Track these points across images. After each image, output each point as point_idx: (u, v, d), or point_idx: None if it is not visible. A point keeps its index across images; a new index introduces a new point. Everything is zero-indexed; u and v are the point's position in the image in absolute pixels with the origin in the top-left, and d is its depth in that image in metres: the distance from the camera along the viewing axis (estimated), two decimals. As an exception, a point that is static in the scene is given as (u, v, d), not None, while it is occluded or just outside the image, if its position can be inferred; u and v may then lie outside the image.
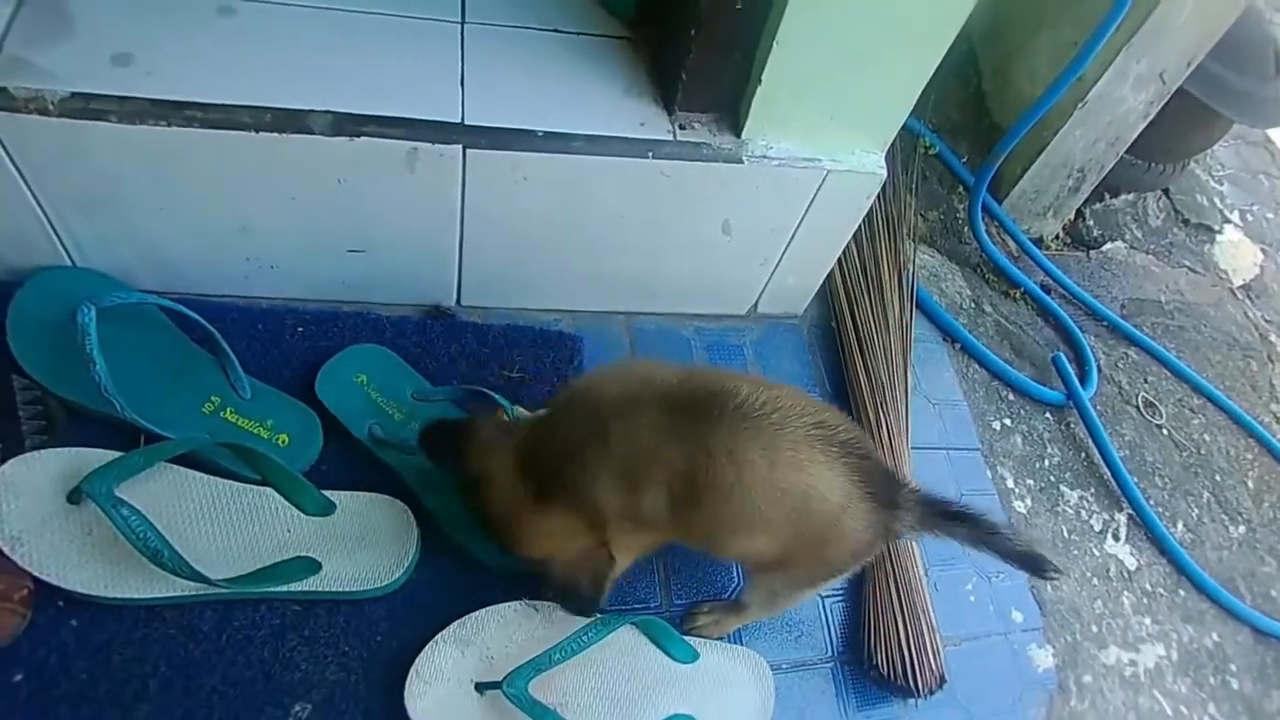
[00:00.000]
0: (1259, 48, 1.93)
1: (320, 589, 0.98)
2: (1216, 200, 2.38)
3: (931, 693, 1.12)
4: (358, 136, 0.97)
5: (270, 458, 0.98)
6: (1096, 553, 1.42)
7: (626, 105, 1.11)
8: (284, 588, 0.97)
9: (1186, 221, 2.27)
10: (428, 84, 1.03)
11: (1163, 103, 1.69)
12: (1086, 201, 2.14)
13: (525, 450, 0.94)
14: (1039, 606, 1.31)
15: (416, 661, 0.96)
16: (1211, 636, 1.42)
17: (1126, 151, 2.00)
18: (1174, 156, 2.16)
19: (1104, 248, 2.07)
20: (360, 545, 1.01)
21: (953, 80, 2.00)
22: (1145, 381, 1.79)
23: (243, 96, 0.92)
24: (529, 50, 1.12)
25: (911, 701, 1.14)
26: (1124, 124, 1.72)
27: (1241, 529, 1.61)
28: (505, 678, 0.92)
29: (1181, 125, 2.00)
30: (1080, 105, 1.65)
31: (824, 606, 1.19)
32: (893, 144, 1.68)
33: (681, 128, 1.11)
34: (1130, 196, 2.24)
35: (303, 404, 1.09)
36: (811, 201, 1.20)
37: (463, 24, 1.11)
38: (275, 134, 0.93)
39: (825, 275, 1.38)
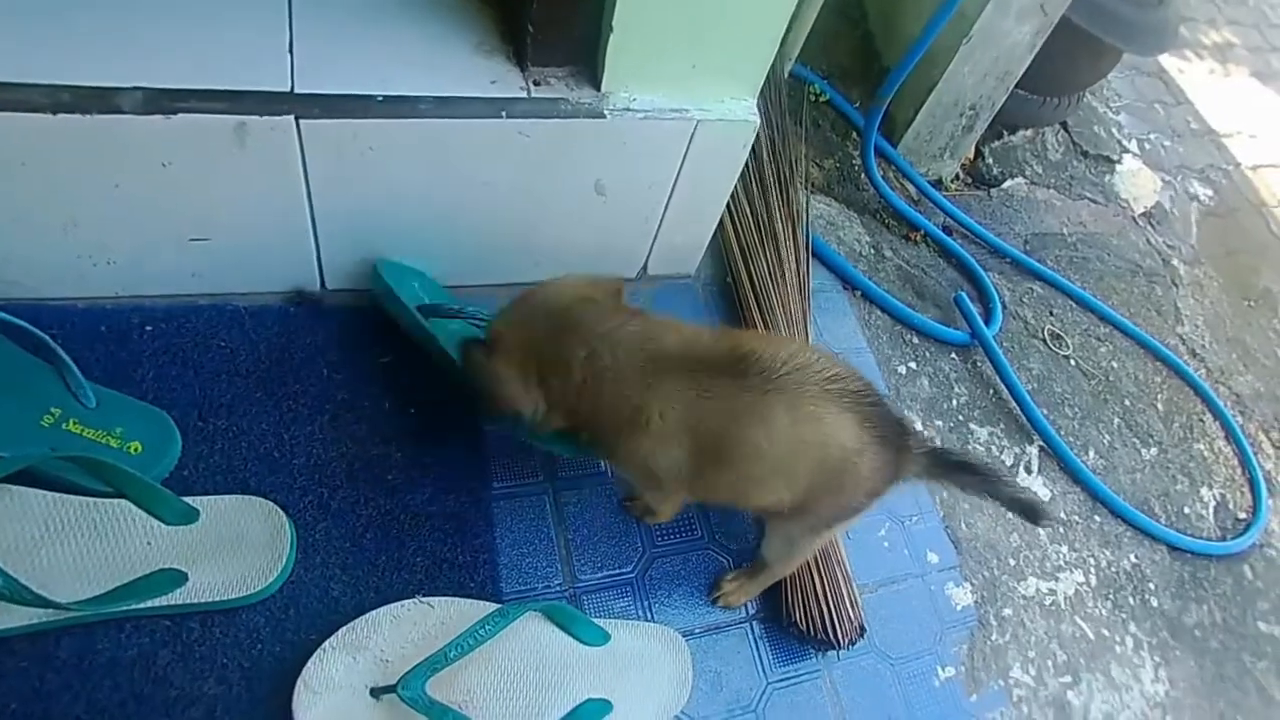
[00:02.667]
0: None
1: (189, 601, 0.94)
2: (1114, 131, 2.46)
3: (852, 644, 1.13)
4: (174, 114, 0.93)
5: (121, 467, 0.94)
6: (1009, 487, 1.46)
7: (475, 63, 1.09)
8: (148, 604, 0.93)
9: (1085, 154, 2.34)
10: (251, 53, 0.99)
11: (1048, 34, 1.73)
12: (985, 140, 2.19)
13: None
14: (954, 546, 1.34)
15: (304, 671, 0.93)
16: (1129, 558, 1.47)
17: (1020, 87, 2.04)
18: (1067, 89, 2.22)
19: (1004, 185, 2.12)
20: (229, 551, 0.98)
21: (840, 25, 2.02)
22: (1051, 314, 1.84)
23: (35, 74, 0.87)
24: (366, 13, 1.08)
25: (832, 652, 1.16)
26: (1011, 57, 1.76)
27: (1153, 450, 1.68)
28: (400, 679, 0.90)
29: (1071, 57, 2.06)
30: (965, 40, 1.68)
31: (733, 564, 1.20)
32: (783, 92, 1.71)
33: (536, 84, 1.10)
34: (1028, 133, 2.30)
35: (156, 408, 1.05)
36: (685, 154, 1.19)
37: (291, -10, 1.07)
38: (78, 115, 0.89)
39: (713, 230, 1.38)
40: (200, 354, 1.13)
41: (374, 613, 0.99)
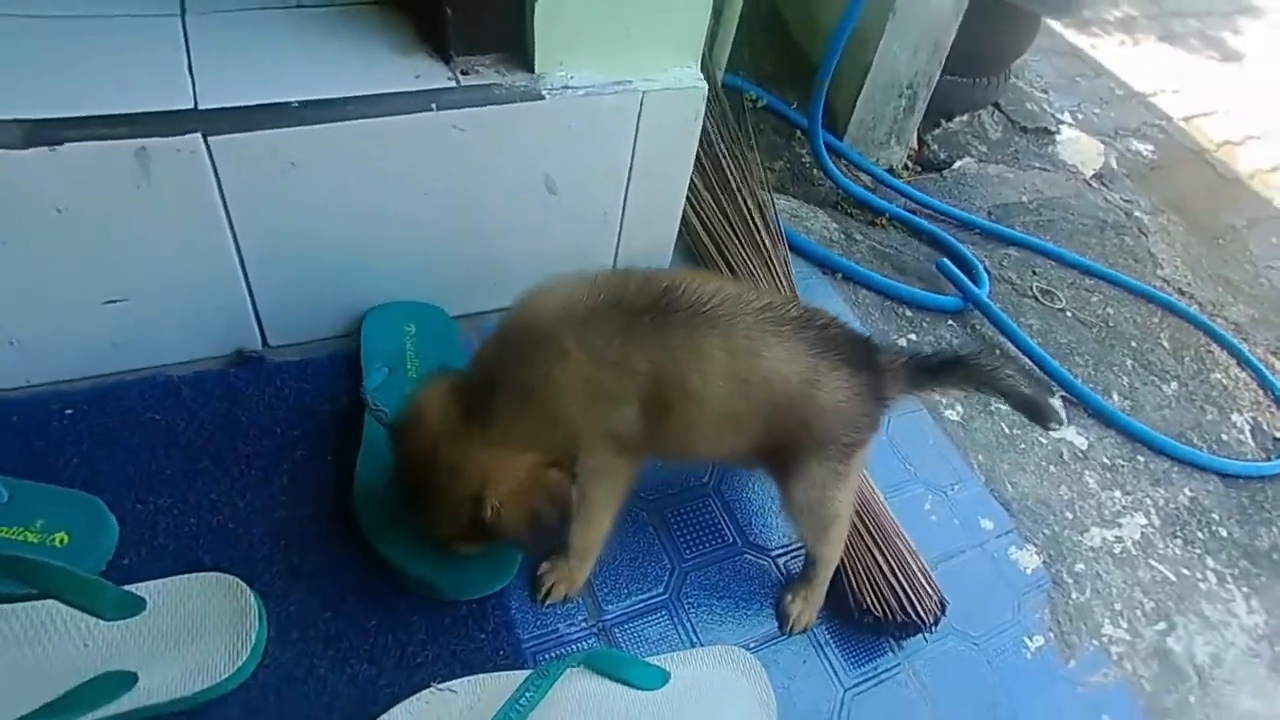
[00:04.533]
0: None
1: (145, 704, 0.77)
2: (1045, 106, 2.46)
3: (936, 621, 0.97)
4: (59, 144, 0.81)
5: (41, 561, 0.77)
6: (1044, 441, 1.34)
7: (395, 62, 0.99)
8: (94, 714, 0.75)
9: (1024, 129, 2.33)
10: (147, 77, 0.88)
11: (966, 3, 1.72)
12: (925, 129, 2.16)
13: (466, 387, 0.84)
14: (1004, 508, 1.21)
15: None
16: (1184, 493, 1.35)
17: (949, 72, 2.04)
18: (994, 67, 2.22)
19: (954, 166, 2.08)
20: (186, 639, 0.80)
21: (760, 35, 2.00)
22: (1034, 274, 1.76)
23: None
24: (271, 29, 0.99)
25: (910, 641, 1.00)
26: (938, 27, 1.74)
27: (1173, 385, 1.57)
28: None
29: (993, 32, 2.07)
30: (890, 16, 1.66)
31: (777, 565, 1.04)
32: (723, 102, 1.65)
33: (464, 73, 1.00)
34: (965, 117, 2.28)
35: (83, 493, 0.89)
36: (636, 131, 1.10)
37: (183, 15, 0.97)
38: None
39: (679, 222, 1.28)
40: (132, 432, 0.98)
41: (393, 711, 0.80)
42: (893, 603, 0.95)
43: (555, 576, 0.93)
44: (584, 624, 0.94)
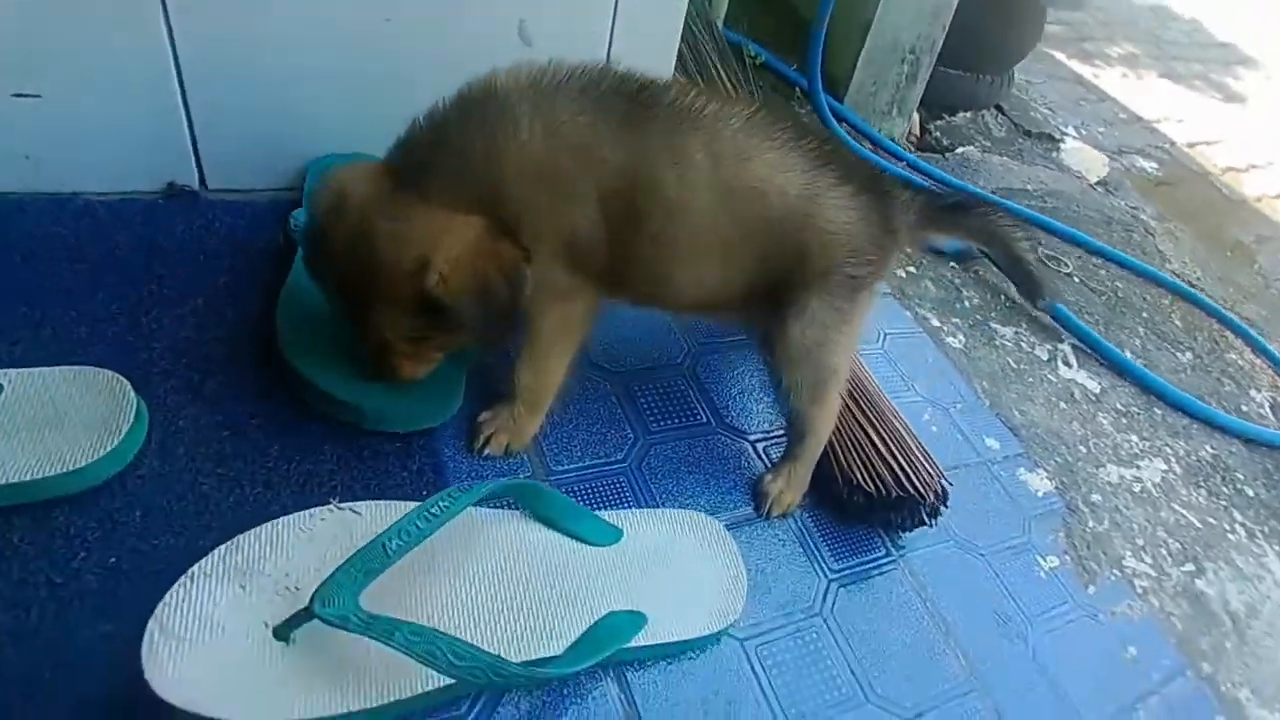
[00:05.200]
0: None
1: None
2: (1049, 118, 2.41)
3: (938, 501, 0.83)
4: None
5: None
6: (1053, 379, 1.21)
7: None
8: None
9: (1029, 133, 2.27)
10: None
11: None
12: (928, 119, 2.10)
13: (394, 167, 0.71)
14: (1012, 433, 1.07)
15: (159, 608, 0.58)
16: (1205, 449, 1.21)
17: (952, 65, 2.00)
18: (997, 64, 2.18)
19: (957, 151, 2.01)
20: (42, 427, 0.66)
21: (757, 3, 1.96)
22: (1039, 245, 1.66)
23: None
24: None
25: (907, 536, 0.85)
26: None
27: (1188, 355, 1.46)
28: (316, 593, 0.55)
29: (996, 25, 2.03)
30: (887, -18, 1.60)
31: (755, 449, 0.91)
32: (727, 55, 1.59)
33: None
34: (968, 114, 2.22)
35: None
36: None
37: None
38: None
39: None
40: (33, 243, 0.85)
41: (271, 524, 0.65)
42: (887, 478, 0.81)
43: (497, 424, 0.80)
44: (525, 480, 0.79)
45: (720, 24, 1.66)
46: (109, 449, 0.66)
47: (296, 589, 0.61)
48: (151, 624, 0.56)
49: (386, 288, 0.67)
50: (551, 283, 0.73)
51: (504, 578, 0.66)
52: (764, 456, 0.89)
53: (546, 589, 0.68)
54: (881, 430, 0.86)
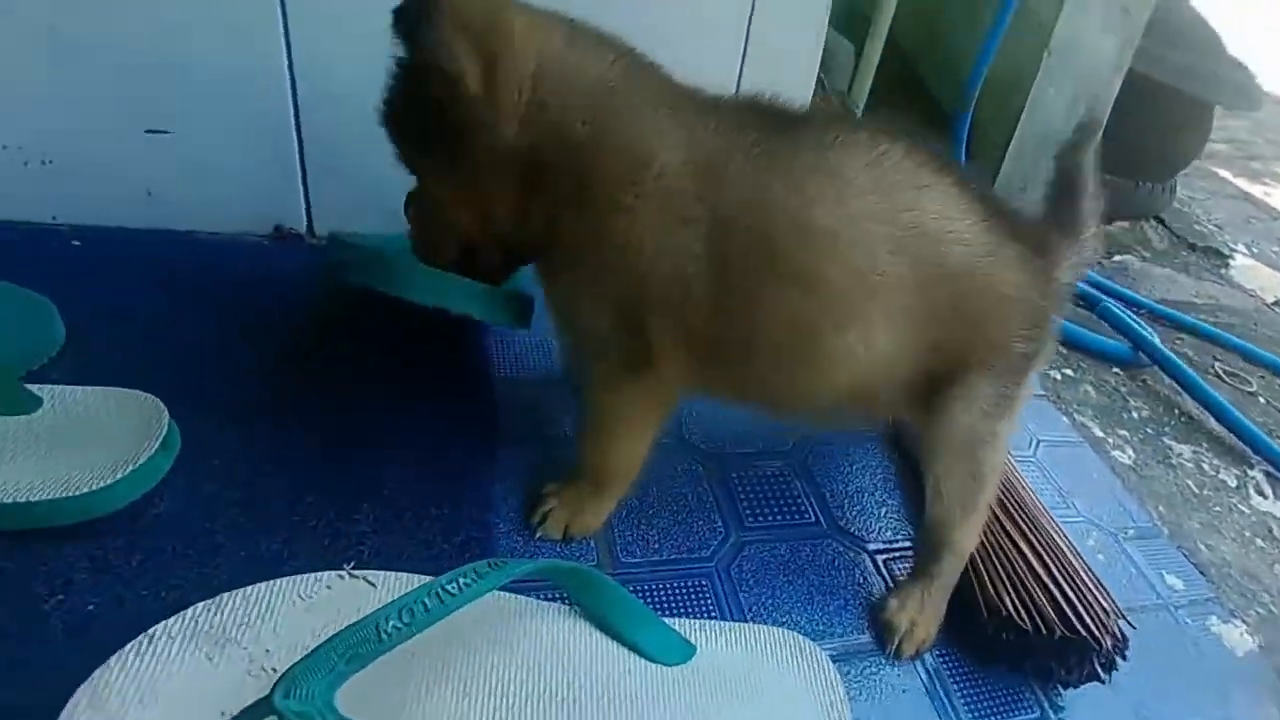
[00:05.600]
0: (1199, 28, 1.82)
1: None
2: (1216, 233, 2.13)
3: (1112, 662, 0.61)
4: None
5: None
6: (1245, 510, 0.95)
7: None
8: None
9: (1193, 246, 1.99)
10: None
11: (1133, 45, 1.48)
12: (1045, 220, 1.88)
13: None
14: (1198, 571, 0.82)
15: (98, 672, 0.45)
16: None
17: (1109, 170, 1.78)
18: (1159, 171, 1.94)
19: (1115, 259, 1.77)
20: (60, 448, 0.58)
21: (899, 93, 1.82)
22: (1215, 360, 1.39)
23: None
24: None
25: (1069, 691, 0.63)
26: (1098, 79, 1.50)
27: None
28: (280, 678, 0.41)
29: (1158, 128, 1.82)
30: (1045, 55, 1.44)
31: (875, 563, 0.71)
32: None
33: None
34: (1125, 223, 1.99)
35: (36, 293, 0.70)
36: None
37: None
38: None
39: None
40: (134, 268, 0.81)
41: (267, 585, 0.53)
42: (1048, 611, 0.61)
43: (560, 502, 0.65)
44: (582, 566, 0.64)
45: (859, 114, 1.53)
46: (125, 474, 0.56)
47: (274, 670, 0.47)
48: (81, 692, 0.43)
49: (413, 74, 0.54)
50: (603, 346, 0.58)
51: (534, 691, 0.50)
52: (884, 572, 0.70)
53: (589, 711, 0.51)
54: (1041, 549, 0.66)
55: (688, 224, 0.54)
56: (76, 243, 0.82)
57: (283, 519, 0.59)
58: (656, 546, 0.67)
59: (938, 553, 0.65)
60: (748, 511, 0.72)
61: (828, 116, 0.57)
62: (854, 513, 0.75)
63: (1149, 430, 1.05)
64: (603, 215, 0.54)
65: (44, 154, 0.81)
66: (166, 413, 0.60)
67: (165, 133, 0.83)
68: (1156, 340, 1.19)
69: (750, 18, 0.92)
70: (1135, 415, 1.07)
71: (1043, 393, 1.03)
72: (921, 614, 0.64)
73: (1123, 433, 1.02)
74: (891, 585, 0.69)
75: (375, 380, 0.74)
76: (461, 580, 0.47)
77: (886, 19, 1.49)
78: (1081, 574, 0.64)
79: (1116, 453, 0.98)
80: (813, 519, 0.74)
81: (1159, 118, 1.78)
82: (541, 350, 0.84)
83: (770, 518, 0.73)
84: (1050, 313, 0.60)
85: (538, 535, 0.64)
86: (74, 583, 0.52)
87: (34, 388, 0.60)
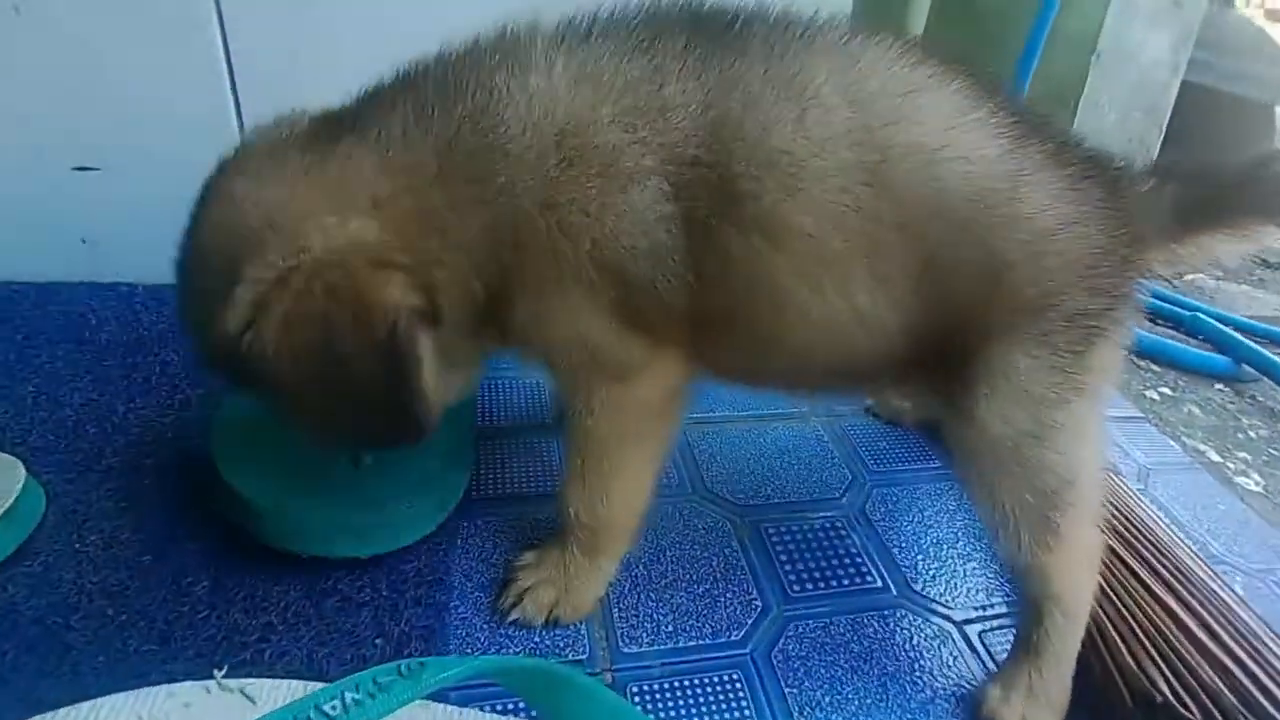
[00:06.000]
0: (1246, 29, 1.69)
1: None
2: (1290, 253, 1.94)
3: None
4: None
5: None
6: None
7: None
8: None
9: (1267, 263, 1.81)
10: None
11: (1190, 43, 1.34)
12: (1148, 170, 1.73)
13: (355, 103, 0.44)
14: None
15: None
16: None
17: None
18: (1221, 185, 1.79)
19: (1185, 277, 1.59)
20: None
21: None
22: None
23: None
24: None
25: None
26: (1154, 84, 1.35)
27: None
28: None
29: (1219, 135, 1.67)
30: (1093, 61, 1.30)
31: (963, 635, 0.53)
32: None
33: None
34: (1196, 165, 1.82)
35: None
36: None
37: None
38: None
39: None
40: (49, 324, 0.68)
41: (106, 700, 0.36)
42: (1223, 695, 0.42)
43: (540, 576, 0.49)
44: (579, 668, 0.47)
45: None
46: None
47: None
48: None
49: (191, 298, 0.42)
50: (600, 352, 0.44)
51: None
52: (980, 647, 0.52)
53: None
54: (1200, 606, 0.47)
55: (636, 180, 0.40)
56: (-8, 296, 0.71)
57: (166, 608, 0.44)
58: (670, 630, 0.50)
59: (1038, 612, 0.46)
60: (791, 577, 0.55)
61: (780, 18, 0.42)
62: (931, 571, 0.57)
63: (1273, 451, 0.85)
64: (546, 219, 0.40)
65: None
66: (24, 477, 0.46)
67: (95, 169, 0.72)
68: (1266, 352, 1.00)
69: None
70: (1252, 435, 0.88)
71: (1140, 414, 0.85)
72: (1034, 704, 0.46)
73: (1243, 455, 0.83)
74: (990, 665, 0.51)
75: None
76: (375, 682, 0.31)
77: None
78: (1265, 641, 0.46)
79: (1241, 479, 0.79)
80: (878, 582, 0.56)
81: (1217, 126, 1.63)
82: (510, 391, 0.69)
83: (822, 584, 0.55)
84: (1121, 255, 0.43)
85: (510, 619, 0.48)
86: None
87: None
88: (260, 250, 0.38)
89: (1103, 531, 0.48)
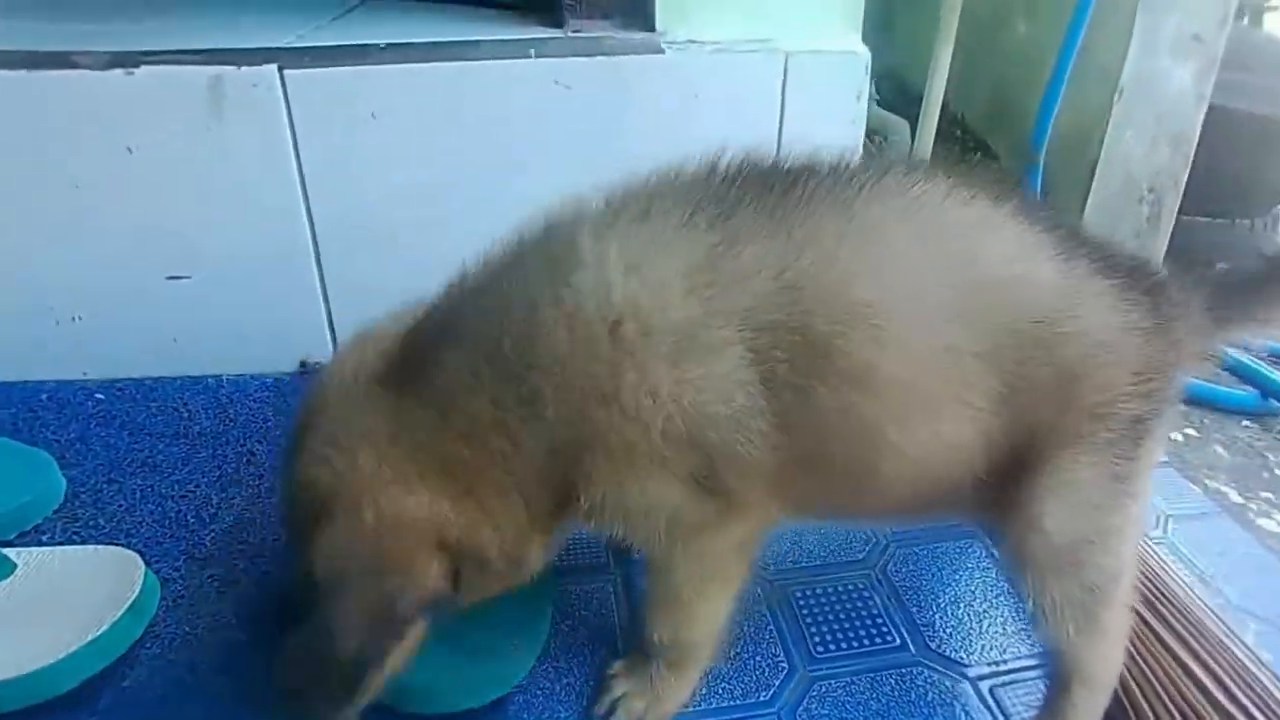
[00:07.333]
0: (1270, 48, 1.66)
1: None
2: (1331, 260, 1.89)
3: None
4: (137, 67, 0.69)
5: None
6: None
7: (505, 17, 0.83)
8: None
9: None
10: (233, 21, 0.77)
11: (1213, 73, 1.33)
12: (1179, 272, 1.69)
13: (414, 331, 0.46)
14: None
15: None
16: None
17: (1202, 213, 1.63)
18: (1255, 206, 1.75)
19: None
20: (37, 615, 0.50)
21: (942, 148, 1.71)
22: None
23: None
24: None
25: None
26: (1179, 115, 1.34)
27: None
28: None
29: (1250, 159, 1.64)
30: (1117, 98, 1.30)
31: (979, 693, 0.56)
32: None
33: (575, 32, 0.80)
34: (1225, 265, 1.78)
35: (36, 449, 0.66)
36: (782, 102, 0.81)
37: None
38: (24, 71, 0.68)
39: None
40: (149, 417, 0.76)
41: None
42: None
43: (632, 686, 0.53)
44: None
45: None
46: (83, 642, 0.47)
47: None
48: None
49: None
50: (679, 512, 0.45)
51: None
52: (993, 703, 0.55)
53: None
54: (1221, 669, 0.49)
55: (714, 352, 0.42)
56: (100, 396, 0.79)
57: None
58: (701, 693, 0.54)
59: (1064, 685, 0.49)
60: (816, 639, 0.59)
61: (835, 168, 0.44)
62: (949, 629, 0.60)
63: (1300, 492, 0.86)
64: (613, 406, 0.42)
65: (74, 311, 0.80)
66: (143, 571, 0.53)
67: (186, 277, 0.80)
68: (1290, 387, 1.00)
69: (780, 123, 0.83)
70: (1278, 473, 0.88)
71: (1165, 459, 0.86)
72: None
73: (1267, 495, 0.83)
74: (989, 697, 0.54)
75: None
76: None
77: (940, 88, 1.39)
78: (1274, 693, 0.48)
79: (1263, 520, 0.79)
80: (896, 641, 0.59)
81: (1246, 148, 1.61)
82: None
83: (845, 644, 0.58)
84: (1166, 358, 0.46)
85: None
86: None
87: (12, 551, 0.54)
88: (329, 518, 0.41)
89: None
